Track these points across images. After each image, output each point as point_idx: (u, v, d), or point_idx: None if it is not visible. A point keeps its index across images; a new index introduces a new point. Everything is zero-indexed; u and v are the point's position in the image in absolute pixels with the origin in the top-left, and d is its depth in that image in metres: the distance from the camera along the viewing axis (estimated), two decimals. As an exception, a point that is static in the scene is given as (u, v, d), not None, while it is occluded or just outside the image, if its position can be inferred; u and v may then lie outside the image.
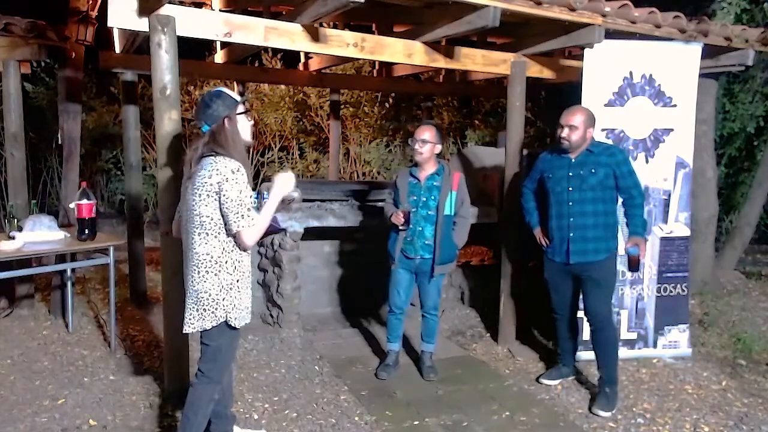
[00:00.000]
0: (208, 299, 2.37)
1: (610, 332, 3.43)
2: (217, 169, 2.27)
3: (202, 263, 2.36)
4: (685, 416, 3.30)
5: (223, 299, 2.37)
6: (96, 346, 4.13)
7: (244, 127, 2.43)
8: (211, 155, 2.32)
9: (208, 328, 2.41)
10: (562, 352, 3.72)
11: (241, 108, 2.41)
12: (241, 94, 2.66)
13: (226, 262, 2.36)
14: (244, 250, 2.40)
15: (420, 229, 3.60)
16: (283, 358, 3.99)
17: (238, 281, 2.40)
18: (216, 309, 2.37)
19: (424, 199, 3.60)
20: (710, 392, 3.62)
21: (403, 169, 3.82)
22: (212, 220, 2.32)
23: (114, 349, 4.02)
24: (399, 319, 3.76)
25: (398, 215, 3.53)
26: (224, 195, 2.27)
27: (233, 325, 2.41)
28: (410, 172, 3.69)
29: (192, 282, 2.40)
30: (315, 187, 5.10)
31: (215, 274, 2.36)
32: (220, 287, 2.36)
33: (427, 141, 3.54)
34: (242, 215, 2.29)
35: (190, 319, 2.41)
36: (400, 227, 3.56)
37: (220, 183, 2.26)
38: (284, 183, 2.45)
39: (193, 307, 2.40)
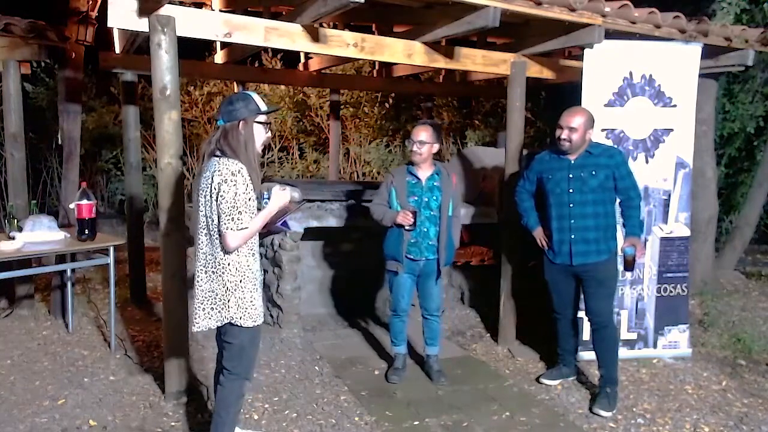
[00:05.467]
0: (214, 299, 2.40)
1: (611, 332, 3.43)
2: (219, 170, 2.30)
3: (208, 263, 2.40)
4: (685, 416, 3.30)
5: (229, 300, 2.39)
6: (96, 346, 4.13)
7: (258, 136, 2.44)
8: (217, 156, 2.35)
9: (213, 328, 2.44)
10: (562, 352, 3.71)
11: (261, 118, 2.43)
12: (274, 110, 2.71)
13: (229, 264, 2.38)
14: (227, 252, 2.36)
15: (425, 230, 3.55)
16: (282, 359, 3.98)
17: (241, 281, 2.40)
18: (222, 309, 2.40)
19: (426, 199, 3.55)
20: (710, 392, 3.62)
21: (398, 169, 3.70)
22: (214, 221, 2.34)
23: (114, 349, 4.02)
24: (404, 321, 3.73)
25: (407, 215, 3.45)
26: (221, 195, 2.29)
27: (240, 324, 2.41)
28: (409, 171, 3.60)
29: (199, 281, 2.43)
30: (315, 188, 5.10)
31: (220, 275, 2.38)
32: (225, 288, 2.38)
33: (425, 142, 3.47)
34: (232, 217, 2.29)
35: (196, 318, 2.44)
36: (407, 228, 3.50)
37: (219, 184, 2.29)
38: (279, 198, 2.47)
39: (200, 306, 2.43)
